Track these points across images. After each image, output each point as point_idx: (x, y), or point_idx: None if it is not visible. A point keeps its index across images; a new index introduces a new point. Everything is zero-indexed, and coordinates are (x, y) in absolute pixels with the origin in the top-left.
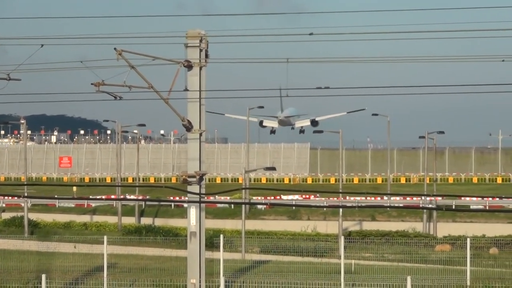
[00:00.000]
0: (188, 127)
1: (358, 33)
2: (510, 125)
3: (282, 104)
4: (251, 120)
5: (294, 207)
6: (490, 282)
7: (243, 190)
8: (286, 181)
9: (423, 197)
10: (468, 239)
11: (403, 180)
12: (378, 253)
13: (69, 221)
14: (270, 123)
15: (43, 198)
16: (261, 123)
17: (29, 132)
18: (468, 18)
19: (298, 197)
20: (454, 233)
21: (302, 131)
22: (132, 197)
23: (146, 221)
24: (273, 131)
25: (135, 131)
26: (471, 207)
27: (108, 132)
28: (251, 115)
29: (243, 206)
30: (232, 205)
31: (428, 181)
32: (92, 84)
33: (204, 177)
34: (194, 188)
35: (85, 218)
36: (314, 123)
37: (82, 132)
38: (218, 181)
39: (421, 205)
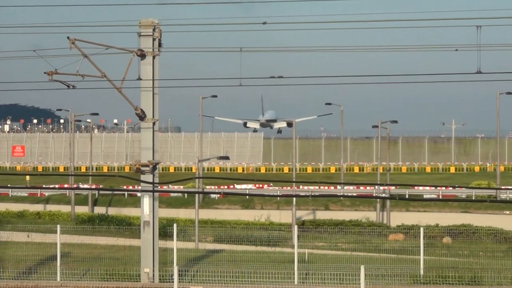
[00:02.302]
0: (142, 116)
1: (312, 22)
2: (463, 115)
3: (263, 108)
4: (236, 122)
5: (247, 197)
6: (444, 271)
7: (197, 179)
8: (240, 171)
9: (376, 186)
10: (422, 229)
11: (356, 170)
12: (332, 242)
13: (22, 210)
14: (253, 125)
15: None
16: (245, 124)
17: None
18: (423, 7)
19: (251, 186)
20: (408, 223)
21: (279, 131)
22: (86, 186)
23: (99, 210)
24: (255, 131)
25: (88, 120)
26: (425, 196)
27: (61, 121)
28: (237, 118)
29: (197, 195)
30: (186, 194)
31: (381, 170)
32: (45, 73)
33: (157, 166)
34: (148, 177)
35: (38, 207)
36: (289, 124)
37: (35, 121)
38: (172, 170)
39: (374, 194)
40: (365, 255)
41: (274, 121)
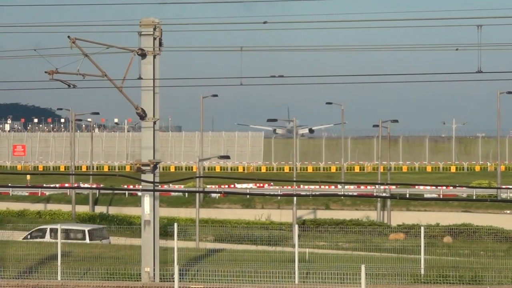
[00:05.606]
0: (142, 116)
1: (314, 21)
2: (464, 114)
3: (289, 116)
4: (267, 129)
5: (248, 196)
6: (444, 270)
7: (197, 179)
8: (240, 170)
9: (377, 186)
10: (422, 228)
11: (357, 169)
12: (332, 241)
13: (23, 210)
14: (280, 131)
15: None
16: (274, 130)
17: None
18: (423, 7)
19: (252, 186)
20: (408, 222)
21: (302, 136)
22: (86, 185)
23: (100, 209)
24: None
25: (89, 119)
26: (425, 195)
27: (62, 120)
28: (267, 125)
29: (197, 194)
30: (186, 194)
31: (382, 170)
32: (45, 72)
33: (158, 165)
34: (148, 177)
35: (39, 207)
36: (311, 131)
37: (36, 120)
38: (172, 169)
39: (375, 194)
40: (365, 255)
41: (299, 127)
